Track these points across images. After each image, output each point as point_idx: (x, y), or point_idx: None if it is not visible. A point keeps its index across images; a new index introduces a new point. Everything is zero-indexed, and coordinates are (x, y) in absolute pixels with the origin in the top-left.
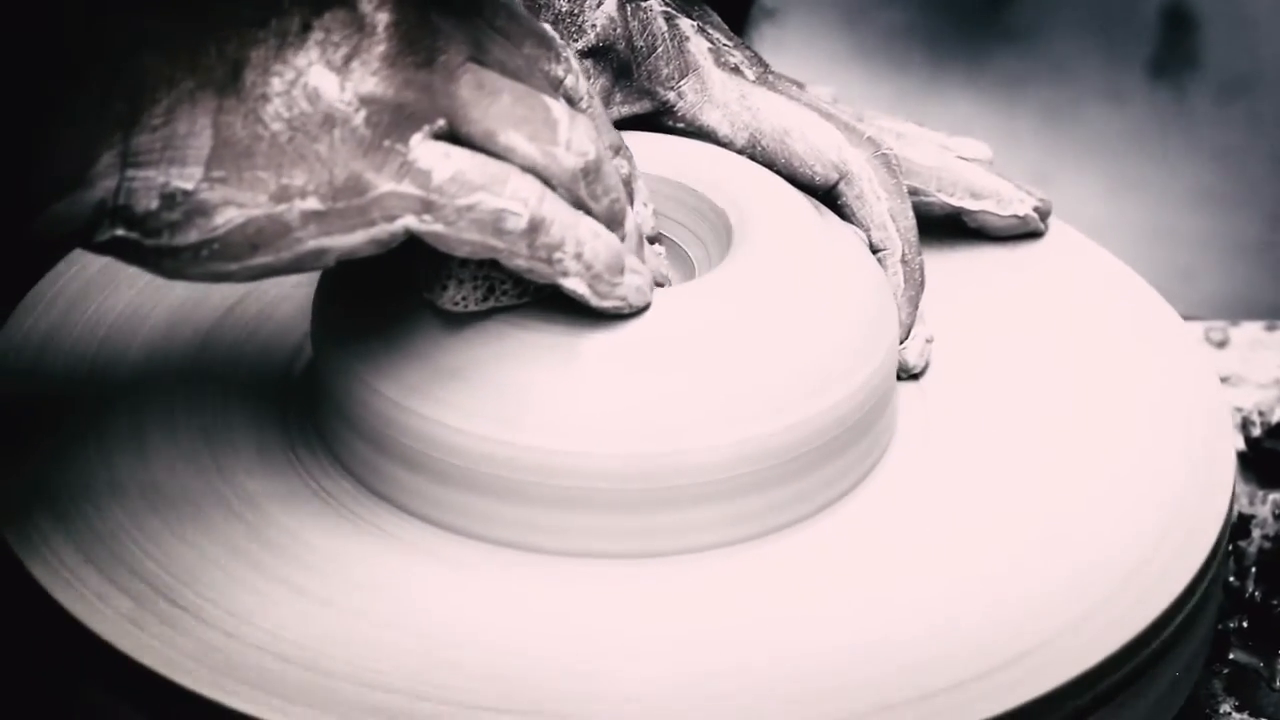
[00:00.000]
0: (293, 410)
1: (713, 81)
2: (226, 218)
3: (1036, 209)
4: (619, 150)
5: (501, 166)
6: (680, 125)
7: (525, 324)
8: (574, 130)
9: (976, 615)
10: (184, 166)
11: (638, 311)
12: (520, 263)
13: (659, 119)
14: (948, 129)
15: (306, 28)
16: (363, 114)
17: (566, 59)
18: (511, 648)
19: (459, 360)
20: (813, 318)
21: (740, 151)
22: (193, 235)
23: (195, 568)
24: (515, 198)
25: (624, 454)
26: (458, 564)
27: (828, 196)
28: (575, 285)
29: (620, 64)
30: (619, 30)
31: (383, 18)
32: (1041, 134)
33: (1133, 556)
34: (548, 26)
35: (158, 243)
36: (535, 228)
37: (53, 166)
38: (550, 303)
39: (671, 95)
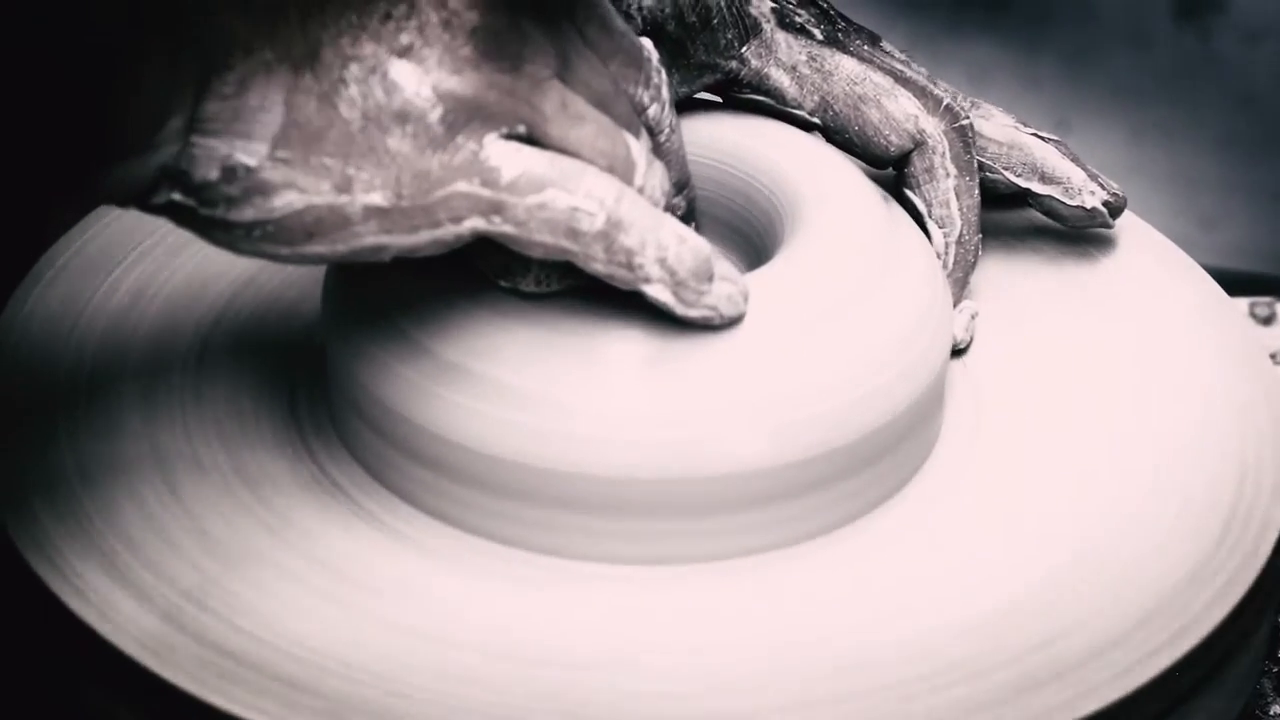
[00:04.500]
0: (303, 394)
1: (778, 44)
2: (286, 201)
3: (1107, 203)
4: (684, 188)
5: (576, 163)
6: (747, 91)
7: (556, 317)
8: (649, 178)
9: (1042, 612)
10: (249, 141)
11: (730, 322)
12: (598, 267)
13: (724, 89)
14: (967, 71)
15: (389, 17)
16: (438, 111)
17: (656, 85)
18: (541, 659)
19: (479, 354)
20: (860, 319)
21: (810, 114)
22: (249, 213)
23: (210, 569)
24: (590, 195)
25: (653, 455)
26: (483, 572)
27: (896, 164)
28: (658, 293)
29: (673, 44)
30: (668, 10)
31: (471, 17)
32: (1064, 77)
33: (1198, 549)
34: (646, 43)
35: (212, 214)
36: (613, 229)
37: (124, 127)
38: (581, 293)
39: (734, 64)
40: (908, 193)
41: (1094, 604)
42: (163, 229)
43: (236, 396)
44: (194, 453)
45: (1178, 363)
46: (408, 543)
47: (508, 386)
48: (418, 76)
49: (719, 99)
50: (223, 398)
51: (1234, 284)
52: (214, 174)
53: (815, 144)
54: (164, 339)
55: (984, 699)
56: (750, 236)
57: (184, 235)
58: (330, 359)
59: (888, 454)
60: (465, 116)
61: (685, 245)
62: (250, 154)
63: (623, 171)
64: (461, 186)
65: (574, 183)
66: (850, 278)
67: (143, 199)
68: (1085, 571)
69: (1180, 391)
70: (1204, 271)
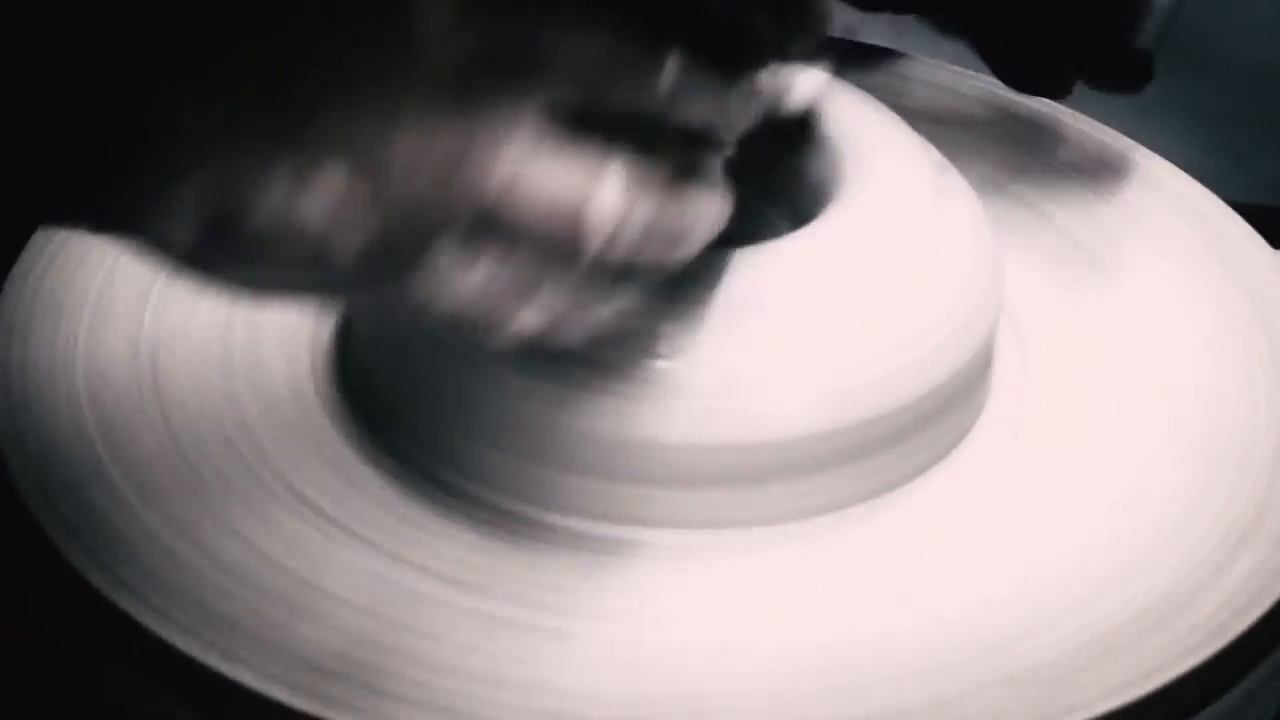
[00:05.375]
0: (323, 384)
1: None
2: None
3: None
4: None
5: (508, 295)
6: None
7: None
8: (625, 223)
9: (1102, 577)
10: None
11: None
12: None
13: None
14: None
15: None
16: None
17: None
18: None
19: None
20: (907, 283)
21: None
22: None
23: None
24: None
25: (695, 421)
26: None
27: None
28: None
29: None
30: None
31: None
32: None
33: (1241, 546)
34: None
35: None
36: None
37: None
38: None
39: None
40: None
41: (1129, 597)
42: None
43: (272, 400)
44: (258, 473)
45: (1222, 321)
46: (450, 509)
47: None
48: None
49: None
50: (260, 402)
51: (1266, 219)
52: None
53: (868, 102)
54: (181, 333)
55: (1010, 681)
56: (796, 193)
57: None
58: (365, 350)
59: (934, 420)
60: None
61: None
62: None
63: (579, 237)
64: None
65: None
66: (897, 240)
67: (106, 235)
68: (1123, 561)
69: (1219, 346)
70: (1239, 217)
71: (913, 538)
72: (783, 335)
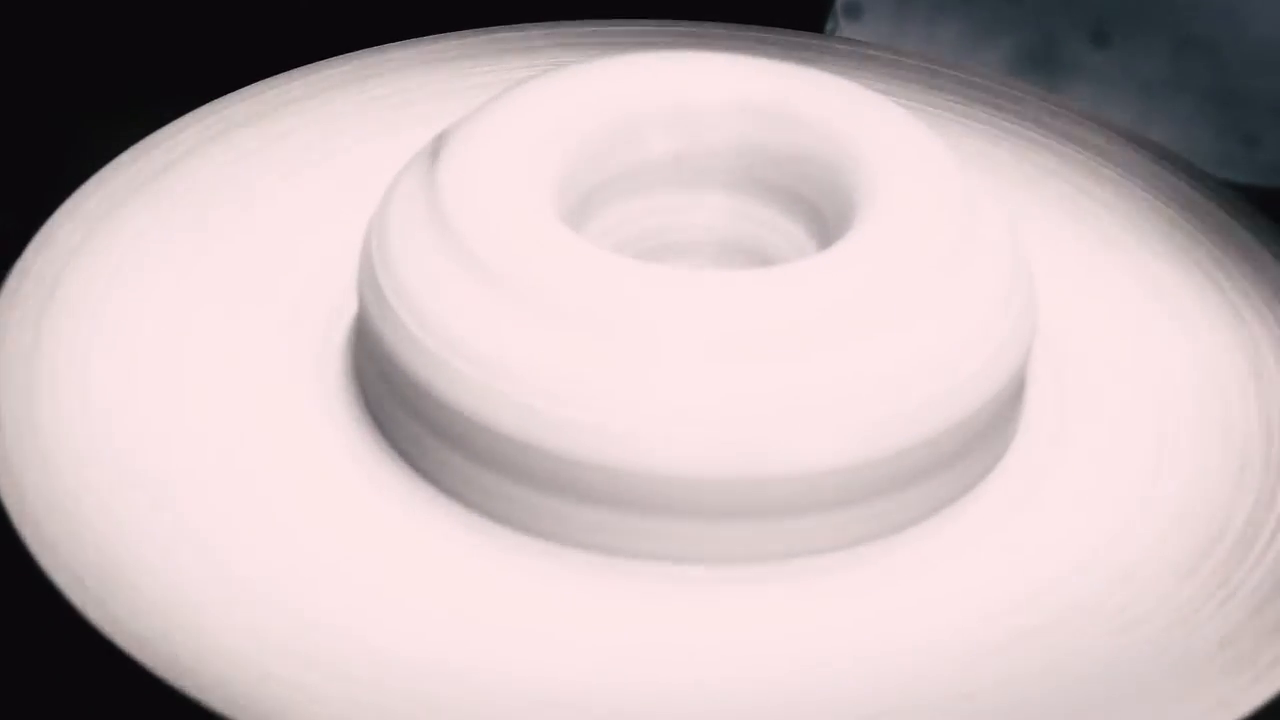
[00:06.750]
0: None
1: None
2: None
3: None
4: None
5: None
6: None
7: (605, 307)
8: None
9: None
10: None
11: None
12: None
13: None
14: None
15: None
16: None
17: None
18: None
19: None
20: (938, 306)
21: None
22: None
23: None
24: None
25: (719, 453)
26: (524, 569)
27: None
28: None
29: None
30: None
31: None
32: None
33: None
34: None
35: None
36: None
37: None
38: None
39: None
40: None
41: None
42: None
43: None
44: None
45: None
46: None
47: (561, 379)
48: None
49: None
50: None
51: (1276, 203)
52: None
53: (896, 111)
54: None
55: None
56: (821, 208)
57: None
58: (375, 361)
59: (962, 454)
60: None
61: None
62: None
63: None
64: None
65: None
66: (926, 262)
67: None
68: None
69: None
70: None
71: (938, 574)
72: (806, 363)
